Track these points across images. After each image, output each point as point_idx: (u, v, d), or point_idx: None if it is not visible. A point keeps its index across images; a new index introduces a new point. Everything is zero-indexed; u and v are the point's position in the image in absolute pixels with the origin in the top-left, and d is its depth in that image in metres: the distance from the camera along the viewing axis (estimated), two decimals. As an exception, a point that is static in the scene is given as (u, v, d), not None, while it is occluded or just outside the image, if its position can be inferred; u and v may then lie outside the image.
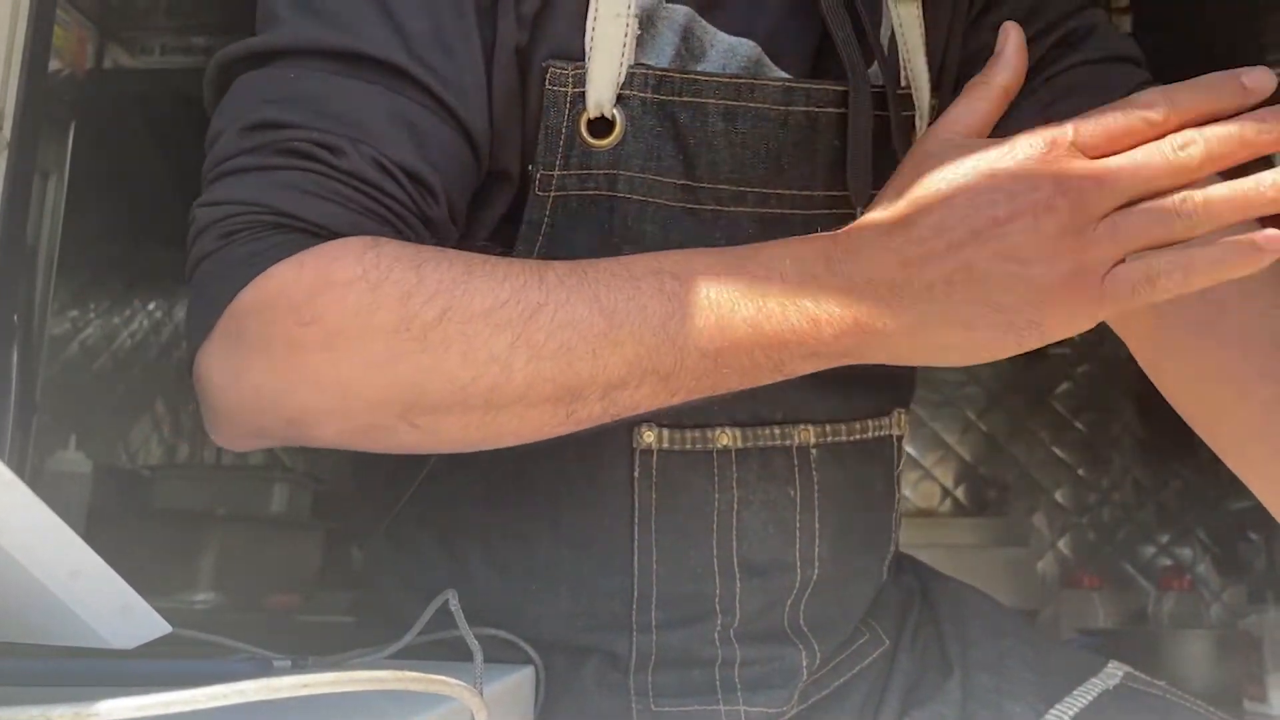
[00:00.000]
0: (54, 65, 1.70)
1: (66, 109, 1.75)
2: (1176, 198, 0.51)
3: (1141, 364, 0.72)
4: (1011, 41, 0.59)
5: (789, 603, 0.71)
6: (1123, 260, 0.51)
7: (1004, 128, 0.79)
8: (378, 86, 0.60)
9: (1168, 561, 2.07)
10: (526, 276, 0.55)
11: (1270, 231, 0.49)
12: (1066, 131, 0.53)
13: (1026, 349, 0.54)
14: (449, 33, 0.62)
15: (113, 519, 1.65)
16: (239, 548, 1.69)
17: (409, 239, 0.60)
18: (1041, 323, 0.52)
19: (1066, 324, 0.53)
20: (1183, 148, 0.51)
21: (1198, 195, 0.50)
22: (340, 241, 0.56)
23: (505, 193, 0.68)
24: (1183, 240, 0.51)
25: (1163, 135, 0.52)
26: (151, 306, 2.34)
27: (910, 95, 0.75)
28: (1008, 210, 0.51)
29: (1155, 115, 0.52)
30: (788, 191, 0.69)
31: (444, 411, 0.55)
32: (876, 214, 0.55)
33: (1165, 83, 0.78)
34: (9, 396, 1.25)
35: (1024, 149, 0.52)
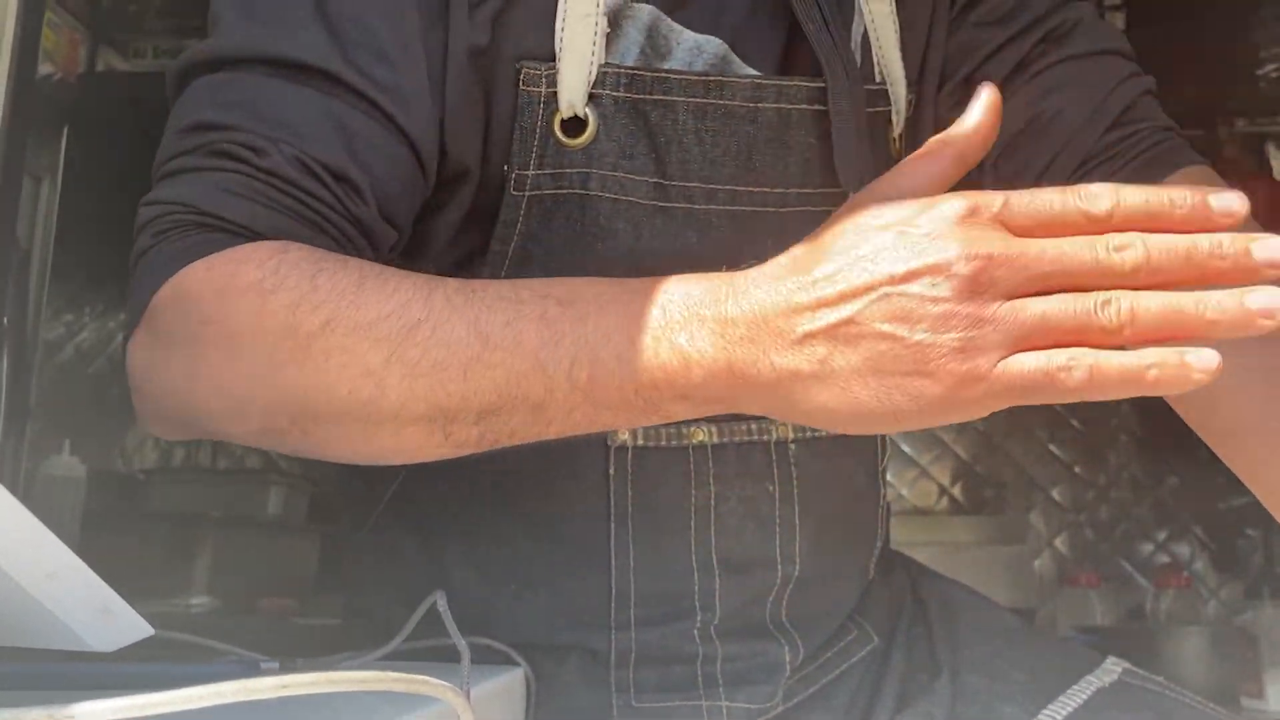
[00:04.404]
0: (46, 69, 1.69)
1: (59, 113, 1.74)
2: (1099, 296, 0.45)
3: None
4: (980, 103, 0.52)
5: (771, 599, 0.71)
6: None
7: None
8: (309, 89, 0.61)
9: (1165, 559, 2.06)
10: (415, 292, 0.54)
11: (1206, 352, 0.43)
12: (994, 201, 0.47)
13: (904, 427, 0.48)
14: (386, 39, 0.63)
15: (107, 523, 1.64)
16: (234, 551, 1.68)
17: (333, 237, 0.61)
18: (919, 398, 0.46)
19: (945, 407, 0.46)
20: (1118, 249, 0.45)
21: (1125, 299, 0.45)
22: (252, 245, 0.58)
23: (463, 192, 0.68)
24: (1098, 347, 0.45)
25: (1102, 233, 0.46)
26: (146, 310, 2.32)
27: (886, 91, 0.75)
28: (906, 268, 0.46)
29: (1096, 209, 0.46)
30: (759, 189, 0.69)
31: (329, 422, 0.56)
32: (783, 257, 0.51)
33: (1158, 79, 0.78)
34: (0, 401, 1.24)
35: (944, 209, 0.47)
